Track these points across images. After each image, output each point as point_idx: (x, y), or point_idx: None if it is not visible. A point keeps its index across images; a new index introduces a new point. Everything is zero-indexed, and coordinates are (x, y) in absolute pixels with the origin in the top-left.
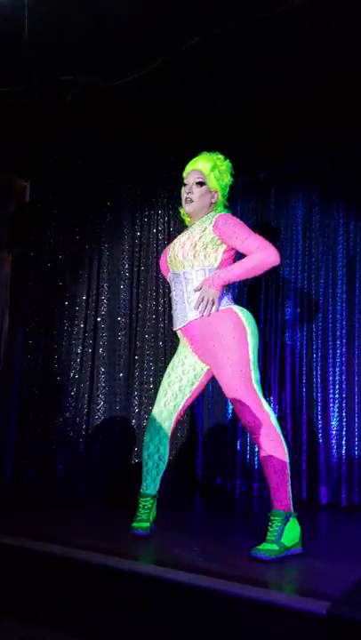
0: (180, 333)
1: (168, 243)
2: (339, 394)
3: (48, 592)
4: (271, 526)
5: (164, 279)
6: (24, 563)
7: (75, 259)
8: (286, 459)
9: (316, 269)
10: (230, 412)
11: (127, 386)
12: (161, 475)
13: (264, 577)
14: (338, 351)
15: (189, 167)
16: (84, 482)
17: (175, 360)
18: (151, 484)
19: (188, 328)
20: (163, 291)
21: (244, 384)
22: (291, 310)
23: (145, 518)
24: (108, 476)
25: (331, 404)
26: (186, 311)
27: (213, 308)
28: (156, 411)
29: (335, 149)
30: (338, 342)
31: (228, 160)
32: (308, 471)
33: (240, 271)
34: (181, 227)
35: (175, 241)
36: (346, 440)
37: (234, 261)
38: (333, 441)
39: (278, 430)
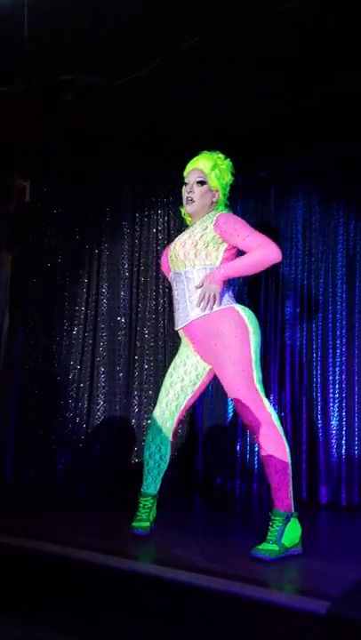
0: (181, 333)
1: (168, 242)
2: (339, 393)
3: (48, 592)
4: (272, 526)
5: (164, 279)
6: (24, 563)
7: (75, 259)
8: (288, 459)
9: (316, 269)
10: (230, 411)
11: (127, 386)
12: (162, 475)
13: (264, 576)
14: (338, 351)
15: (190, 166)
16: (83, 482)
17: (177, 360)
18: (152, 484)
19: (190, 327)
20: (162, 290)
21: (245, 383)
22: (291, 310)
23: (145, 518)
24: (107, 475)
25: (331, 404)
26: (188, 310)
27: (215, 305)
28: (157, 411)
29: (335, 149)
30: (338, 342)
31: (228, 159)
32: (308, 471)
33: (241, 267)
34: (181, 226)
35: (176, 240)
36: (346, 440)
37: None
38: (333, 440)
39: (280, 430)
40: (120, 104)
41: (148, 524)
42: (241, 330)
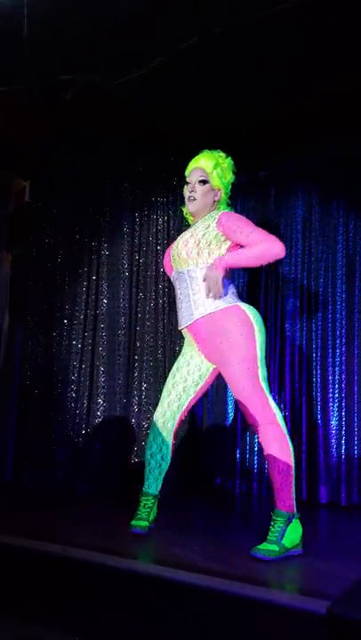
0: (185, 332)
1: (168, 242)
2: (338, 393)
3: (48, 591)
4: (273, 526)
5: (164, 278)
6: (24, 562)
7: (74, 258)
8: (292, 459)
9: (316, 269)
10: (230, 411)
11: (127, 385)
12: (163, 475)
13: (264, 576)
14: (337, 350)
15: (191, 165)
16: (83, 481)
17: (180, 360)
18: (153, 484)
19: (195, 326)
20: (163, 290)
21: (251, 382)
22: (290, 310)
23: (144, 517)
24: (107, 475)
25: (330, 404)
26: (192, 309)
27: (221, 302)
28: (159, 411)
29: (335, 149)
30: (337, 342)
31: (229, 157)
32: (308, 470)
33: (244, 257)
34: (181, 226)
35: (178, 239)
36: (345, 439)
37: None
38: (333, 440)
39: (284, 430)
40: (120, 104)
41: (146, 523)
42: (246, 328)
